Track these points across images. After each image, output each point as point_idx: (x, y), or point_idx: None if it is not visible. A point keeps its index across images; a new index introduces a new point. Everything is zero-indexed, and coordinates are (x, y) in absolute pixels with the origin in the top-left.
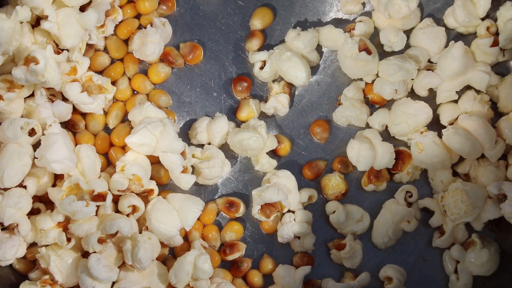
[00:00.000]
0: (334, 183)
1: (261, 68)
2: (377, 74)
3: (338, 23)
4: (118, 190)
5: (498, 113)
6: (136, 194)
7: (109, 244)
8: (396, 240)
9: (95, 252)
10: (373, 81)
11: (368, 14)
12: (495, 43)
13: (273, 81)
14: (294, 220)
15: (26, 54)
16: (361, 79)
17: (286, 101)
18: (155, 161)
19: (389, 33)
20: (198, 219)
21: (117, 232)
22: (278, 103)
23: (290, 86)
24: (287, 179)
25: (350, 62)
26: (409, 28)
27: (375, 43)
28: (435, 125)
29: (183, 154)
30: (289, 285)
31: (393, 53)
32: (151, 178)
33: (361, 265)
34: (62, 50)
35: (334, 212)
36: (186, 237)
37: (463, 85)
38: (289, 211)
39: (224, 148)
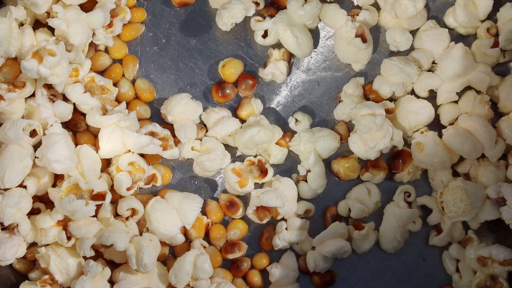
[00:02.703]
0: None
1: (264, 36)
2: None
3: (344, 5)
4: (127, 189)
5: (499, 113)
6: (144, 184)
7: None
8: (404, 241)
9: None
10: (372, 81)
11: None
12: (495, 44)
13: (273, 48)
14: (286, 229)
15: (34, 50)
16: (360, 76)
17: (285, 68)
18: (155, 161)
19: (395, 33)
20: (207, 216)
21: (111, 244)
22: (277, 70)
23: (290, 54)
24: (288, 187)
25: (344, 45)
26: (415, 28)
27: (380, 43)
28: (436, 125)
29: (154, 135)
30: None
31: (398, 53)
32: (152, 179)
33: (361, 266)
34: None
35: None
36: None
37: (464, 86)
38: (282, 219)
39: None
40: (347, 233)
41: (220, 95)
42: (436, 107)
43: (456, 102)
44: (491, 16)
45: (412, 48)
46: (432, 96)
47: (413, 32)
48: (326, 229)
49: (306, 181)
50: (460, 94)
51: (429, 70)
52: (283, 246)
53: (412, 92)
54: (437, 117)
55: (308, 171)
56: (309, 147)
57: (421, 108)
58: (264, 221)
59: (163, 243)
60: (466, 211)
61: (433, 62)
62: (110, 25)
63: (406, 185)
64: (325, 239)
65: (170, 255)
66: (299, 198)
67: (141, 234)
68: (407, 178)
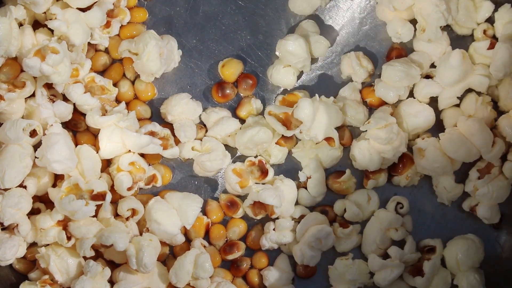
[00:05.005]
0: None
1: None
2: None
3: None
4: (128, 189)
5: (499, 111)
6: (144, 184)
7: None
8: (384, 249)
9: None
10: (368, 85)
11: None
12: (492, 46)
13: None
14: (274, 230)
15: (37, 48)
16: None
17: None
18: (154, 161)
19: (396, 25)
20: (207, 216)
21: (111, 244)
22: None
23: None
24: (289, 189)
25: None
26: (414, 17)
27: (382, 37)
28: (440, 129)
29: (154, 134)
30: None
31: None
32: (153, 179)
33: None
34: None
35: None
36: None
37: (464, 90)
38: (277, 218)
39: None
40: (327, 222)
41: (220, 95)
42: (439, 111)
43: (458, 105)
44: (489, 16)
45: (410, 51)
46: (434, 100)
47: (413, 23)
48: (304, 218)
49: (306, 188)
50: (461, 97)
51: (427, 75)
52: (270, 247)
53: (411, 93)
54: (441, 121)
55: (309, 177)
56: (311, 154)
57: (420, 112)
58: (258, 217)
59: (163, 243)
60: None
61: (432, 65)
62: (107, 25)
63: (400, 196)
64: (306, 228)
65: (170, 255)
66: (298, 204)
67: (141, 234)
68: (405, 183)
